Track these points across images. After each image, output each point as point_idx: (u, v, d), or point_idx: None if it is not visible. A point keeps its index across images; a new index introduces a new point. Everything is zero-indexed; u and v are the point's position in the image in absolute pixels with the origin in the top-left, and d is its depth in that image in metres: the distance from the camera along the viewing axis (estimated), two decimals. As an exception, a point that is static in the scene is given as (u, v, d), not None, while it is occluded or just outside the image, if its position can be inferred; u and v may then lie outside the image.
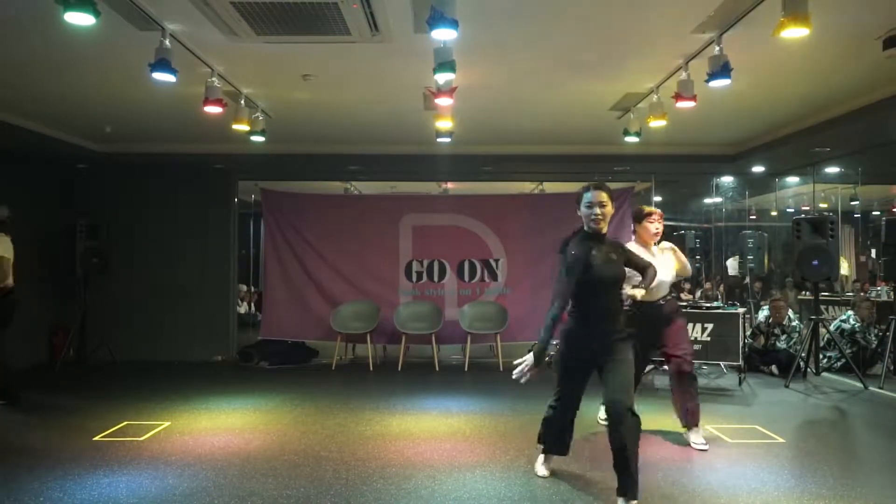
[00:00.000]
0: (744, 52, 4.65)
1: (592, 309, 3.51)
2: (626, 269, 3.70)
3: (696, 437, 4.73)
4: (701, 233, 10.30)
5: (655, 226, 4.81)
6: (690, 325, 6.61)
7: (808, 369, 7.33)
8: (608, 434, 3.48)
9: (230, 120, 5.91)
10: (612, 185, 4.44)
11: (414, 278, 9.03)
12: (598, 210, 3.44)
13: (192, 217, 8.82)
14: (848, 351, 7.60)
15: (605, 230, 3.52)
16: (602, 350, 3.50)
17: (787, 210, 12.22)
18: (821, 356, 7.52)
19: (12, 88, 5.83)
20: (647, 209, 4.87)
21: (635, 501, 3.39)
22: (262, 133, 6.34)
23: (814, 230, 7.25)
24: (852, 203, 11.69)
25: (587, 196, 3.49)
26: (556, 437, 3.95)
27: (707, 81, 4.52)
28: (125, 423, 5.31)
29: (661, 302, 4.86)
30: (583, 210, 3.52)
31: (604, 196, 3.46)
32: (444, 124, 6.34)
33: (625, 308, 3.65)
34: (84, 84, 5.74)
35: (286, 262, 8.91)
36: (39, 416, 5.68)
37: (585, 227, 3.53)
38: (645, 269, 3.80)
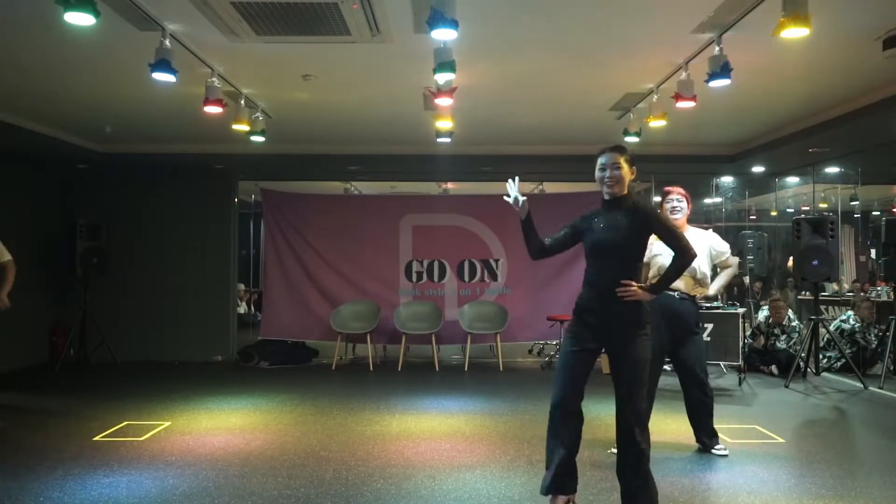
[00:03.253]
0: (744, 52, 4.65)
1: (594, 279, 3.26)
2: (662, 246, 3.26)
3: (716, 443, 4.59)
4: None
5: (672, 205, 4.52)
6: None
7: (808, 369, 7.34)
8: (616, 467, 3.22)
9: (230, 120, 5.91)
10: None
11: (414, 278, 9.02)
12: (608, 172, 3.24)
13: (192, 217, 8.82)
14: (848, 351, 7.60)
15: (623, 193, 3.26)
16: (608, 332, 3.20)
17: (787, 210, 12.23)
18: (821, 356, 7.52)
19: (12, 88, 5.83)
20: (666, 189, 4.58)
21: None
22: (262, 133, 6.34)
23: (814, 230, 7.25)
24: (852, 203, 11.70)
25: (600, 159, 3.30)
26: (561, 462, 3.21)
27: (707, 81, 4.53)
28: (125, 423, 5.31)
29: (677, 295, 4.38)
30: (597, 174, 3.31)
31: (618, 158, 3.26)
32: (444, 124, 6.34)
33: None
34: (84, 84, 5.74)
35: (286, 262, 8.91)
36: (39, 416, 5.68)
37: (602, 194, 3.33)
38: (678, 243, 3.26)
